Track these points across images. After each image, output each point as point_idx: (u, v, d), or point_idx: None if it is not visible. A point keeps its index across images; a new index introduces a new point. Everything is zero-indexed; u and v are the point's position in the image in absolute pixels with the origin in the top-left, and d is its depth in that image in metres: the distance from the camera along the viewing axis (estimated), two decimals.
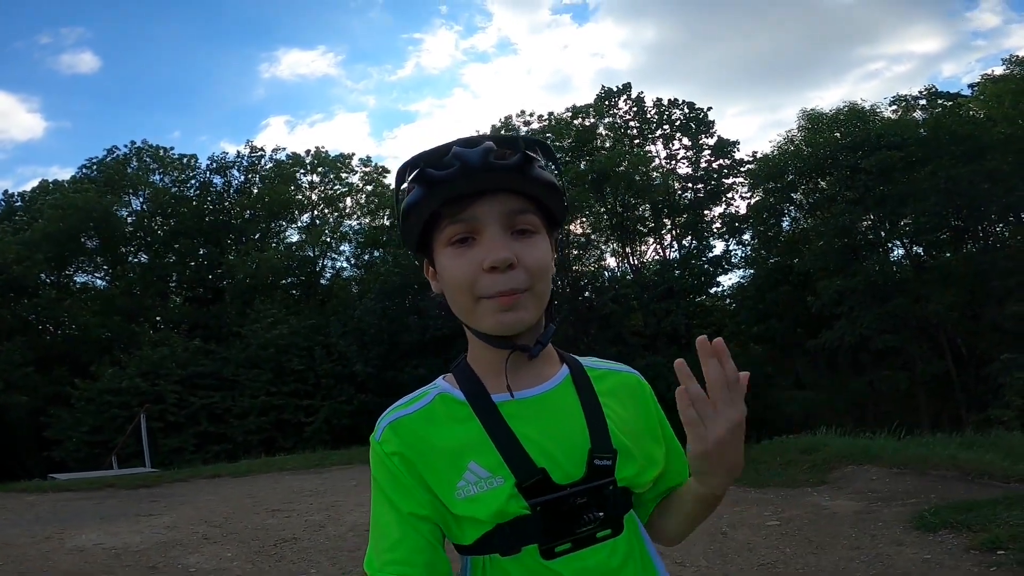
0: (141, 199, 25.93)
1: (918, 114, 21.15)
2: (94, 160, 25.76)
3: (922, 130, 19.46)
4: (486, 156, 0.79)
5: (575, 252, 22.82)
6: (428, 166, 0.81)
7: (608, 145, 23.42)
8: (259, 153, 27.33)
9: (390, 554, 0.80)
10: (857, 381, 19.85)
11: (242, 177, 27.23)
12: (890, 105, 21.72)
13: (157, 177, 26.28)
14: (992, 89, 20.24)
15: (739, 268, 23.21)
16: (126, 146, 26.06)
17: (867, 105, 21.10)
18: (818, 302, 18.83)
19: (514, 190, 0.82)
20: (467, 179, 0.79)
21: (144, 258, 26.04)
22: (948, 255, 20.58)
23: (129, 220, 25.68)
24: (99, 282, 25.94)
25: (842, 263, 19.14)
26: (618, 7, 46.31)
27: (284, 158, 27.36)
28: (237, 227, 26.77)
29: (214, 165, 26.89)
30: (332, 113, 51.56)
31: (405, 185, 0.85)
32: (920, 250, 20.89)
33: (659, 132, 23.77)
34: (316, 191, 27.72)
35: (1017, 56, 20.23)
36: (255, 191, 26.89)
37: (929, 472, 6.22)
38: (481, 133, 0.89)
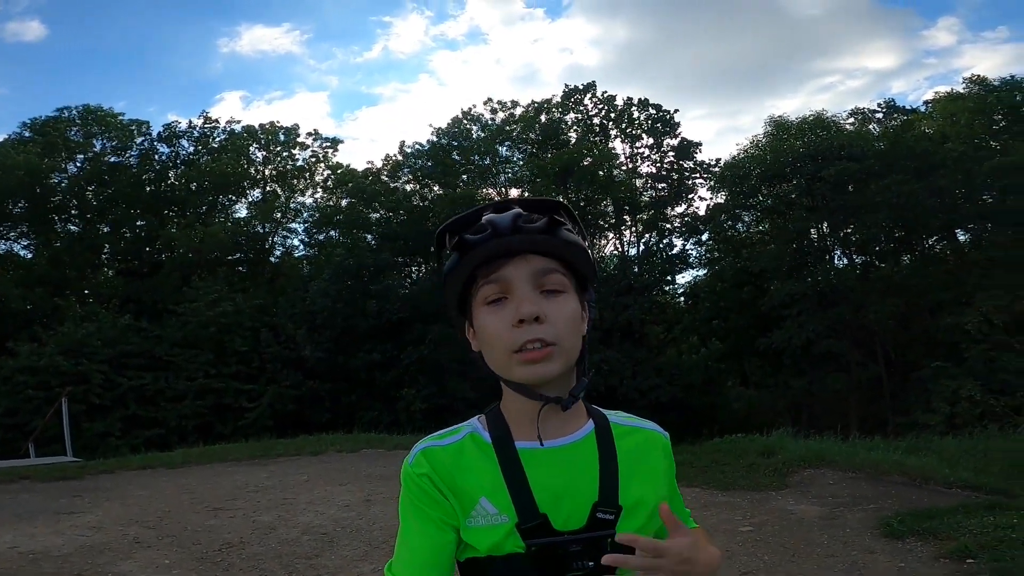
0: (79, 164, 24.07)
1: (873, 127, 22.04)
2: (36, 120, 23.81)
3: (879, 144, 20.26)
4: (515, 220, 0.88)
5: None
6: (464, 232, 0.90)
7: (573, 140, 23.44)
8: (213, 124, 25.91)
9: (411, 560, 0.91)
10: (798, 382, 20.65)
11: (191, 148, 25.78)
12: (848, 117, 22.59)
13: (100, 143, 24.50)
14: (947, 107, 21.12)
15: (695, 267, 23.77)
16: (77, 109, 24.14)
17: (829, 116, 21.87)
18: (768, 303, 19.45)
19: (542, 251, 0.89)
20: (498, 242, 0.88)
21: (75, 227, 24.23)
22: (886, 266, 21.61)
23: (62, 186, 23.82)
24: (22, 252, 24.06)
25: (793, 268, 19.81)
26: (591, 5, 46.75)
27: (229, 132, 26.03)
28: (181, 199, 25.27)
29: (165, 133, 25.34)
30: (292, 91, 50.48)
31: (444, 252, 0.94)
32: (864, 260, 21.84)
33: (626, 131, 23.93)
34: (269, 166, 26.51)
35: (976, 76, 21.14)
36: (204, 163, 25.43)
37: (881, 477, 6.41)
38: (510, 198, 0.87)
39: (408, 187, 24.34)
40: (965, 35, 41.56)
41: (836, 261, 21.35)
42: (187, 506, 5.97)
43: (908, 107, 23.76)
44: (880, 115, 22.95)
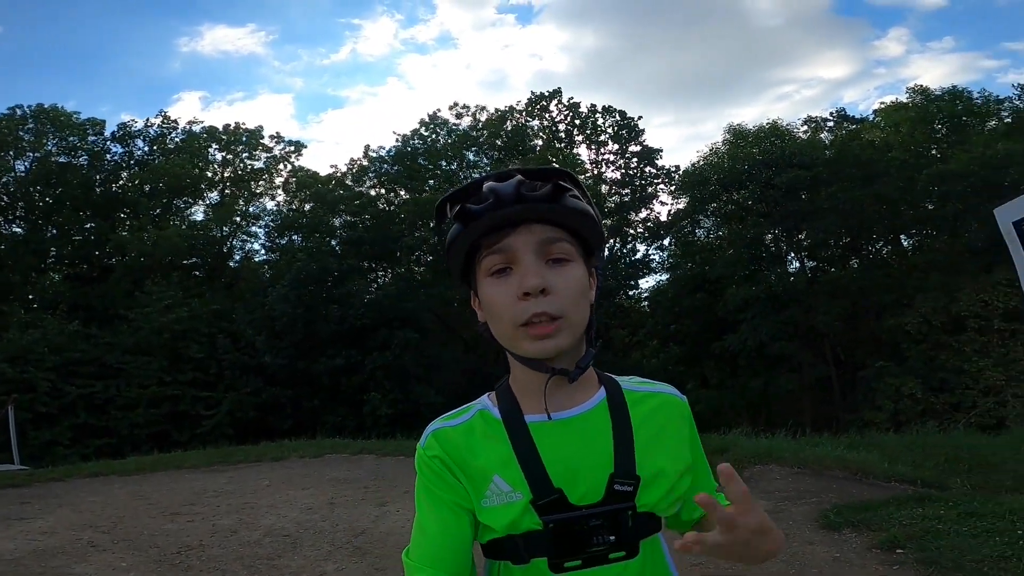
0: (27, 163, 23.07)
1: (825, 135, 22.95)
2: None
3: (828, 152, 21.12)
4: (518, 188, 0.84)
5: None
6: (466, 201, 0.87)
7: (539, 146, 23.74)
8: (171, 124, 25.18)
9: (427, 546, 0.90)
10: (755, 382, 21.31)
11: (146, 148, 24.97)
12: (802, 126, 23.48)
13: (52, 142, 23.49)
14: (892, 116, 22.09)
15: (657, 272, 24.31)
16: (30, 108, 23.11)
17: (784, 124, 22.69)
18: (724, 307, 20.05)
19: (546, 220, 0.87)
20: (501, 211, 0.85)
21: (20, 229, 23.19)
22: (835, 270, 22.54)
23: (10, 188, 22.77)
24: None
25: (748, 272, 20.49)
26: (562, 12, 47.29)
27: (189, 133, 25.36)
28: (133, 201, 24.44)
29: (119, 133, 24.49)
30: (255, 92, 49.30)
31: (448, 221, 0.91)
32: (814, 264, 22.75)
33: (591, 137, 24.37)
34: (229, 168, 25.90)
35: (920, 85, 22.10)
36: (159, 164, 24.70)
37: (824, 472, 6.70)
38: (513, 167, 0.91)
39: (373, 192, 24.21)
40: (913, 45, 43.41)
41: (789, 266, 22.19)
42: (142, 511, 5.86)
43: (858, 116, 24.77)
44: (831, 124, 23.94)
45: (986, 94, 20.75)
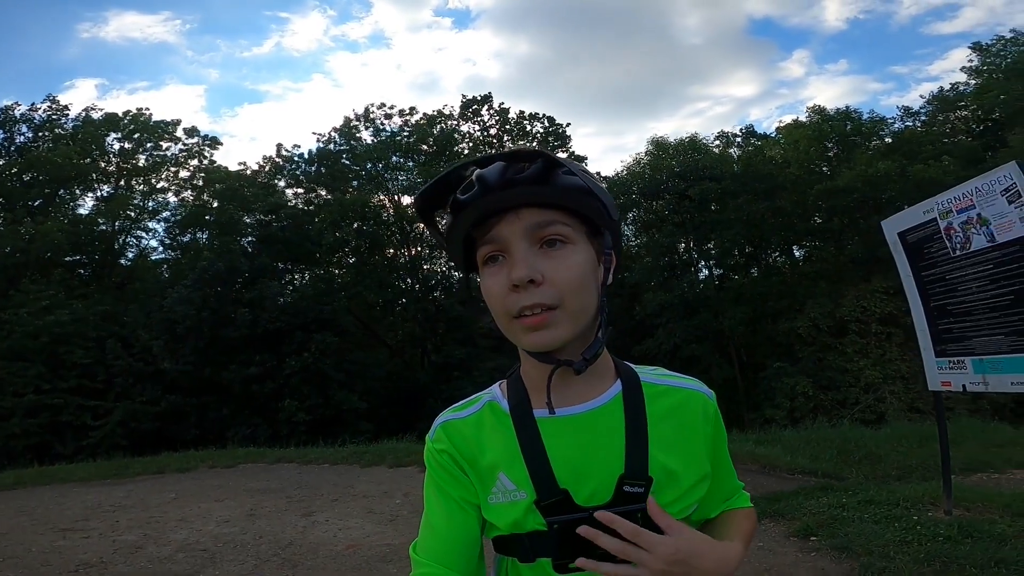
0: None
1: (734, 150, 24.46)
2: None
3: (736, 166, 22.52)
4: (504, 173, 0.78)
5: (427, 251, 22.63)
6: (456, 191, 0.81)
7: (467, 151, 23.68)
8: (62, 110, 22.74)
9: (434, 541, 0.87)
10: None
11: (31, 135, 22.41)
12: (715, 140, 24.91)
13: None
14: (791, 134, 23.73)
15: None
16: None
17: (700, 138, 23.95)
18: (642, 312, 20.88)
19: (537, 203, 0.80)
20: (487, 199, 0.79)
21: None
22: (738, 277, 24.12)
23: None
24: None
25: (663, 279, 21.46)
26: (498, 18, 47.66)
27: (87, 118, 23.07)
28: (10, 190, 21.85)
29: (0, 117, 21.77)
30: (161, 82, 45.72)
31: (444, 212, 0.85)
32: (720, 271, 24.22)
33: (520, 143, 24.60)
34: (126, 160, 23.76)
35: (817, 105, 23.80)
36: (43, 151, 22.24)
37: (737, 466, 7.08)
38: (494, 153, 0.84)
39: (289, 191, 23.14)
40: (813, 67, 46.95)
41: (699, 273, 23.46)
42: (28, 528, 5.23)
43: (763, 133, 26.61)
44: (739, 139, 25.59)
45: (874, 115, 22.68)
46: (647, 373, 0.93)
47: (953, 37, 39.39)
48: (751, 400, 20.93)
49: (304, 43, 46.94)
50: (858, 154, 20.71)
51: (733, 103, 48.35)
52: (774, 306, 21.08)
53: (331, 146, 23.47)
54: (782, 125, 25.02)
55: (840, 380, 18.33)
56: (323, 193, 23.22)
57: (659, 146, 23.73)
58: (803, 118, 23.77)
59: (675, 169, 21.89)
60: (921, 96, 40.10)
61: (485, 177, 0.78)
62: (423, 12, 46.43)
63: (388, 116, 24.03)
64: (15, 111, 22.29)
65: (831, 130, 22.13)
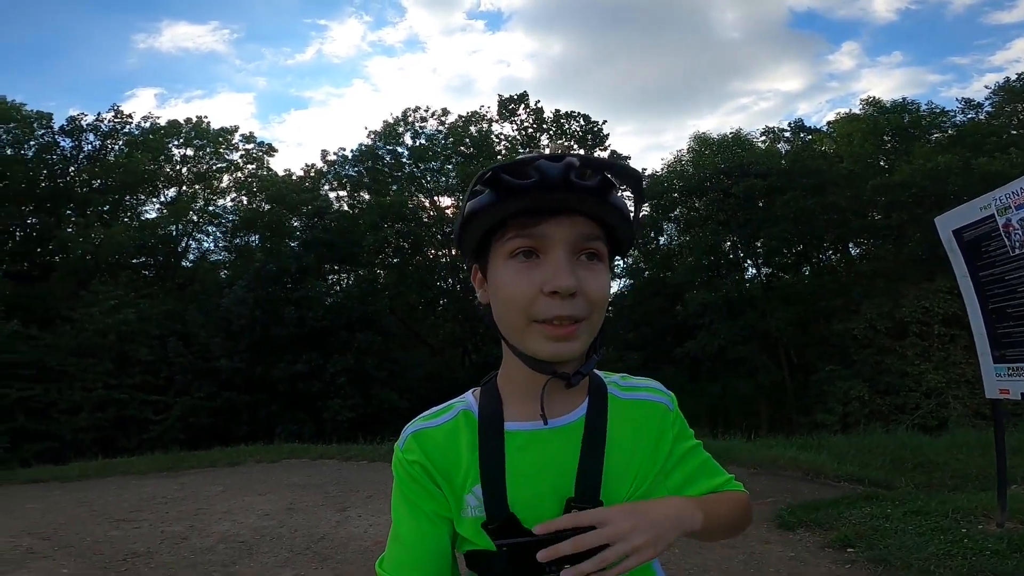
0: None
1: (782, 145, 23.64)
2: None
3: (783, 162, 21.77)
4: (567, 173, 0.75)
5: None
6: (505, 173, 0.76)
7: (504, 151, 23.81)
8: (126, 119, 24.15)
9: (402, 556, 0.85)
10: (713, 387, 21.79)
11: (97, 143, 23.86)
12: (761, 136, 24.14)
13: None
14: (844, 128, 22.75)
15: (620, 278, 24.63)
16: None
17: (744, 134, 23.27)
18: (684, 312, 20.46)
19: (589, 214, 0.79)
20: (544, 193, 0.75)
21: None
22: (789, 276, 23.32)
23: None
24: None
25: (707, 279, 20.96)
26: (530, 19, 47.77)
27: (157, 126, 24.45)
28: (81, 196, 23.35)
29: (69, 126, 23.29)
30: (214, 91, 48.43)
31: (476, 187, 0.80)
32: (768, 270, 23.48)
33: (559, 141, 24.52)
34: (188, 166, 25.04)
35: (872, 97, 22.78)
36: (112, 158, 23.64)
37: (779, 472, 6.90)
38: (570, 152, 0.83)
39: (333, 194, 23.86)
40: (864, 59, 45.15)
41: (746, 272, 22.79)
42: (85, 518, 5.58)
43: (813, 127, 25.51)
44: (788, 134, 24.70)
45: (933, 107, 21.61)
46: (613, 385, 0.92)
47: (1013, 27, 37.00)
48: (801, 404, 20.23)
49: (343, 49, 48.29)
50: (917, 147, 19.69)
51: (779, 98, 46.86)
52: (827, 306, 20.30)
53: (372, 149, 24.00)
54: (835, 119, 24.05)
55: (899, 384, 17.50)
56: (365, 196, 23.81)
57: (701, 143, 23.17)
58: (856, 111, 22.80)
59: (719, 166, 21.32)
60: (986, 87, 37.72)
61: (547, 171, 0.75)
62: (455, 15, 46.97)
63: (423, 119, 24.42)
64: (82, 120, 23.76)
65: (887, 123, 21.13)
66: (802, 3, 45.06)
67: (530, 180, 0.75)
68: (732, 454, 7.50)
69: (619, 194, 0.80)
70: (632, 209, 0.83)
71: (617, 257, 0.90)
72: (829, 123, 24.56)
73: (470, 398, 0.91)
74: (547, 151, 24.52)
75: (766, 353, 21.48)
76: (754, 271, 23.07)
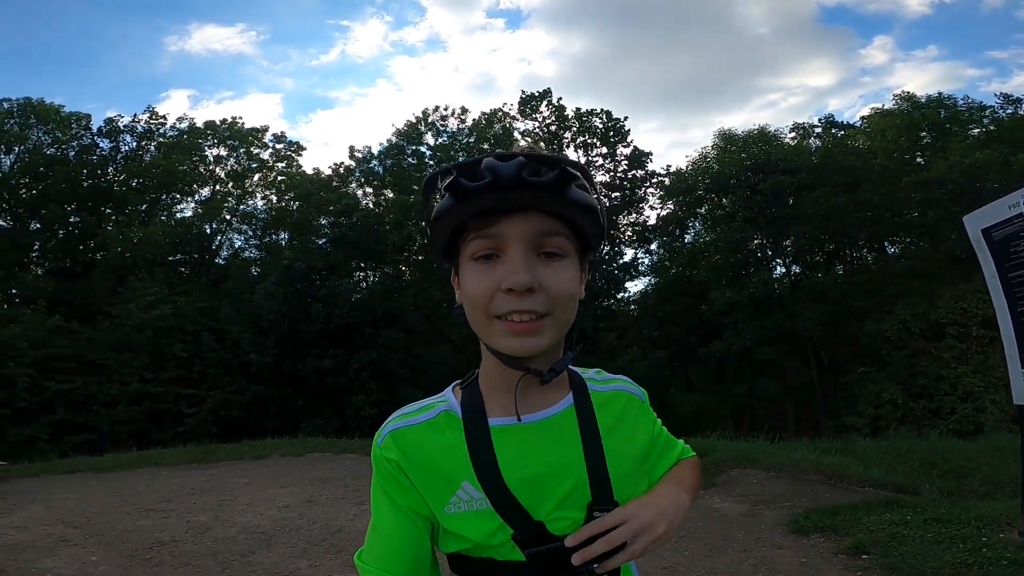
0: (13, 157, 22.80)
1: (813, 141, 23.03)
2: None
3: (814, 158, 21.23)
4: (519, 171, 0.75)
5: None
6: (461, 176, 0.77)
7: (525, 148, 23.86)
8: (160, 120, 24.97)
9: (381, 548, 0.86)
10: (739, 387, 21.47)
11: (135, 143, 24.71)
12: (790, 132, 23.59)
13: (37, 135, 23.24)
14: (878, 123, 22.06)
15: (645, 276, 24.42)
16: (16, 101, 22.89)
17: (772, 130, 22.77)
18: (709, 311, 20.17)
19: (546, 210, 0.79)
20: (497, 194, 0.76)
21: (3, 223, 22.93)
22: (819, 275, 22.75)
23: None
24: None
25: (733, 277, 20.60)
26: (550, 17, 47.58)
27: (190, 127, 25.28)
28: (120, 196, 24.22)
29: (106, 127, 24.23)
30: (243, 92, 49.53)
31: (437, 193, 0.81)
32: (797, 269, 22.97)
33: (579, 139, 24.46)
34: (221, 165, 25.75)
35: (907, 92, 22.02)
36: (148, 159, 24.47)
37: (799, 476, 6.75)
38: (520, 148, 0.83)
39: (360, 192, 24.22)
40: (897, 54, 43.86)
41: (774, 271, 22.34)
42: (117, 508, 5.83)
43: (846, 123, 24.77)
44: (819, 130, 24.06)
45: (970, 101, 20.84)
46: (591, 380, 0.96)
47: None
48: (829, 406, 19.76)
49: (366, 50, 48.99)
50: (954, 143, 18.99)
51: (809, 93, 45.75)
52: (859, 306, 19.75)
53: (394, 147, 24.28)
54: (870, 114, 23.28)
55: (934, 388, 16.92)
56: (389, 194, 24.13)
57: (727, 139, 22.75)
58: (890, 106, 22.08)
59: (745, 163, 20.92)
60: None
61: (499, 171, 0.74)
62: (475, 14, 47.08)
63: (444, 118, 24.59)
64: (119, 122, 24.66)
65: (923, 118, 20.40)
66: None
67: (483, 181, 0.75)
68: (753, 457, 7.39)
69: (581, 188, 0.79)
70: (598, 204, 0.82)
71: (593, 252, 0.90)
72: (863, 118, 23.86)
73: (450, 396, 0.92)
74: (568, 148, 24.59)
75: (794, 353, 21.04)
76: (782, 269, 22.63)
